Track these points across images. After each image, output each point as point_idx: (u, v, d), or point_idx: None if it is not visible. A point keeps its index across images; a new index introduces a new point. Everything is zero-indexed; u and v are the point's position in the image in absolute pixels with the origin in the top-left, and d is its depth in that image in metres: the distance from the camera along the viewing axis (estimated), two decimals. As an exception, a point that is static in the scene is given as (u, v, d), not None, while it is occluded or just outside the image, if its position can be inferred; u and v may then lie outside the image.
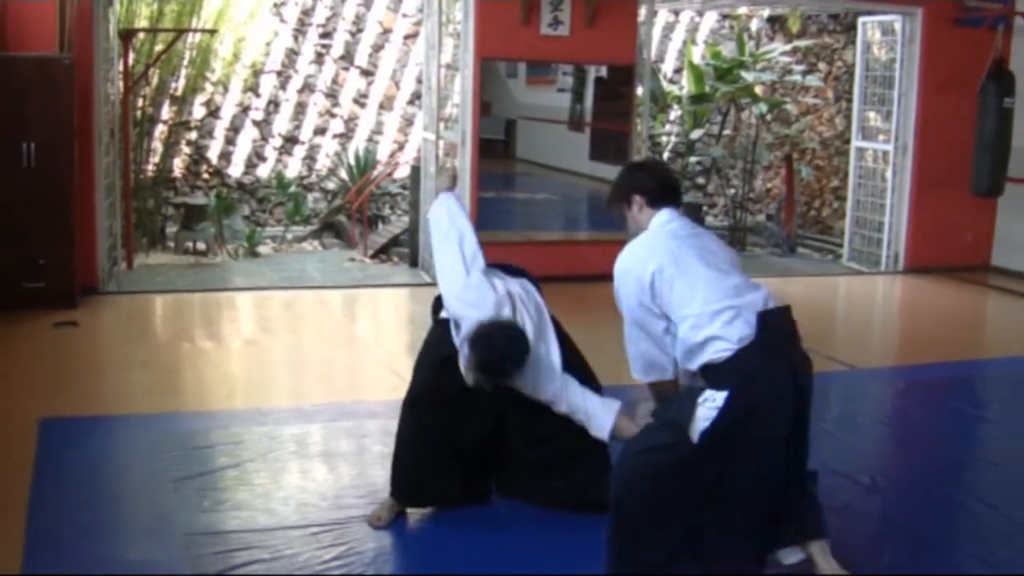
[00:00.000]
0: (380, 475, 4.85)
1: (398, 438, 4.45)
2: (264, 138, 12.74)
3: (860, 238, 11.91)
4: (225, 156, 12.60)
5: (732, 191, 14.68)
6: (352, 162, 12.80)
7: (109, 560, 3.98)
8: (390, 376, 6.88)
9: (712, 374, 3.60)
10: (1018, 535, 4.56)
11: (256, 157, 12.76)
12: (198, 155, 12.43)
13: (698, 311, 3.60)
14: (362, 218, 12.19)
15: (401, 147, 13.36)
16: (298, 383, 6.63)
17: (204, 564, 3.92)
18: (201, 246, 11.15)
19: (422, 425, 4.35)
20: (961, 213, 11.26)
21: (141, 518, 4.39)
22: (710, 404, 3.55)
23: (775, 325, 3.60)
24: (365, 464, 5.07)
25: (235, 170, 12.65)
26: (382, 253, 11.66)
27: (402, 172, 13.13)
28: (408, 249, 11.23)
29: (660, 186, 3.97)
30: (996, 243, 11.61)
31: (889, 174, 11.35)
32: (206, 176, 12.46)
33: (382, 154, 13.17)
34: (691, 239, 3.79)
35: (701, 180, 14.92)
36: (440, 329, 4.42)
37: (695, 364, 3.65)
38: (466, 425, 4.34)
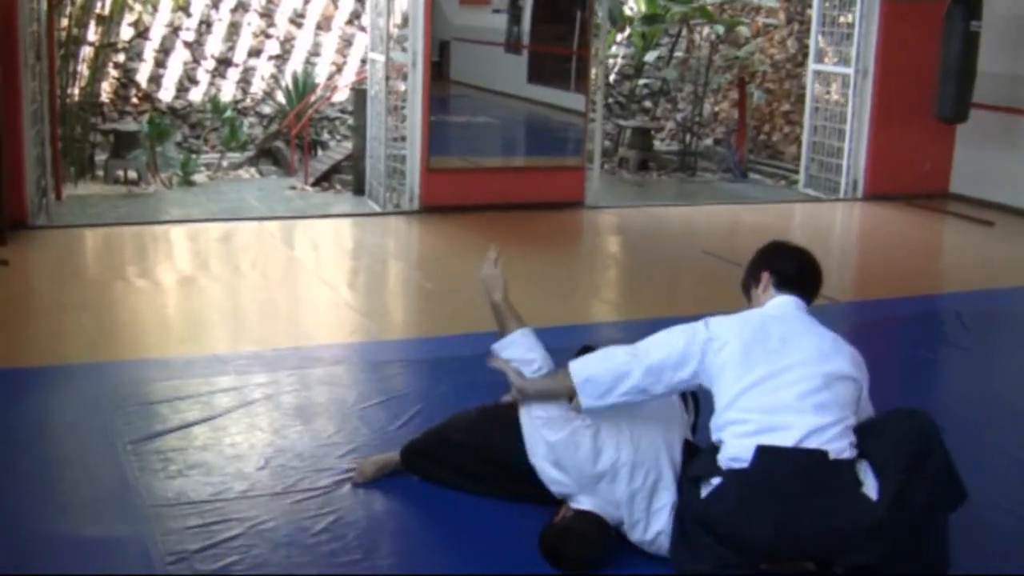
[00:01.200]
0: (360, 430, 4.45)
1: (457, 423, 3.97)
2: (196, 60, 12.08)
3: (817, 164, 11.60)
4: (155, 80, 11.93)
5: (681, 115, 14.30)
6: (290, 85, 12.18)
7: (65, 540, 3.52)
8: (350, 315, 6.45)
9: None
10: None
11: (188, 80, 12.10)
12: (126, 79, 11.74)
13: (721, 407, 3.29)
14: (302, 144, 11.62)
15: (340, 69, 12.75)
16: (254, 326, 6.14)
17: (179, 540, 3.46)
18: (133, 175, 10.52)
19: (494, 443, 3.81)
20: (921, 140, 10.99)
21: (98, 488, 3.89)
22: (707, 488, 3.27)
23: (774, 467, 3.12)
24: (342, 418, 4.60)
25: (166, 94, 11.99)
26: (324, 181, 11.15)
27: (341, 96, 12.55)
28: (351, 176, 10.72)
29: (798, 272, 3.56)
30: (955, 170, 11.39)
31: (849, 99, 11.02)
32: (135, 101, 11.78)
33: (320, 76, 12.55)
34: (784, 325, 3.37)
35: (648, 104, 14.52)
36: None
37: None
38: None
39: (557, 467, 3.48)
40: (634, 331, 6.03)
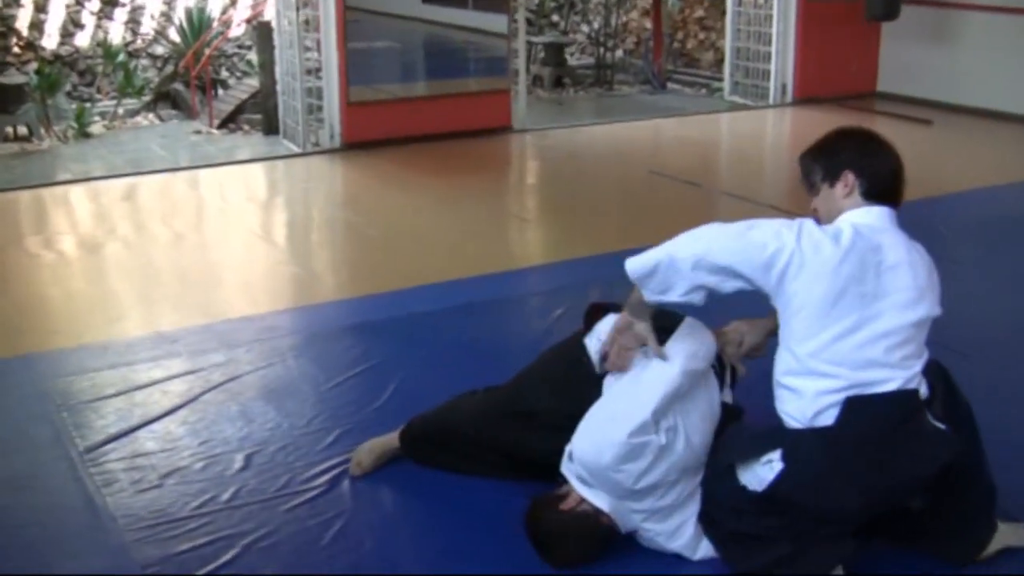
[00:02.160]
0: (341, 411, 3.96)
1: (463, 411, 3.44)
2: (79, 2, 11.16)
3: (742, 71, 11.25)
4: (36, 26, 11.00)
5: (591, 27, 13.82)
6: (184, 22, 11.37)
7: (34, 581, 3.00)
8: (296, 274, 5.92)
9: (780, 426, 2.84)
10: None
11: (72, 24, 11.20)
12: (5, 26, 10.81)
13: (801, 354, 2.76)
14: (202, 85, 10.87)
15: (234, 2, 11.96)
16: (194, 295, 5.50)
17: (167, 571, 2.97)
18: (23, 131, 9.69)
19: (507, 438, 3.32)
20: (848, 39, 10.77)
21: (60, 515, 3.32)
22: (767, 467, 2.79)
23: (868, 418, 2.72)
24: (317, 399, 4.08)
25: (49, 41, 11.09)
26: (230, 122, 10.45)
27: (237, 30, 11.79)
28: (261, 115, 10.05)
29: (892, 175, 2.90)
30: (882, 68, 11.15)
31: (774, 1, 10.64)
32: (16, 50, 10.86)
33: (214, 11, 11.76)
34: (880, 254, 2.78)
35: (556, 17, 14.00)
36: (578, 350, 3.27)
37: (775, 397, 2.84)
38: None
39: (599, 468, 2.88)
40: (592, 268, 5.66)
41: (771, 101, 10.83)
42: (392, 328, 4.90)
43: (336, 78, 8.56)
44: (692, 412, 2.94)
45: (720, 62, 12.62)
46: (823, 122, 10.05)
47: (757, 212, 7.08)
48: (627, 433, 2.80)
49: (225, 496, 3.36)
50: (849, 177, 2.89)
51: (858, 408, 2.70)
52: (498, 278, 5.67)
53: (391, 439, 3.53)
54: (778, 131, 10.24)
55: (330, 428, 3.81)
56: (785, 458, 2.76)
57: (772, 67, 10.77)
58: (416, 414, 3.53)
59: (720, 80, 11.97)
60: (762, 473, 2.80)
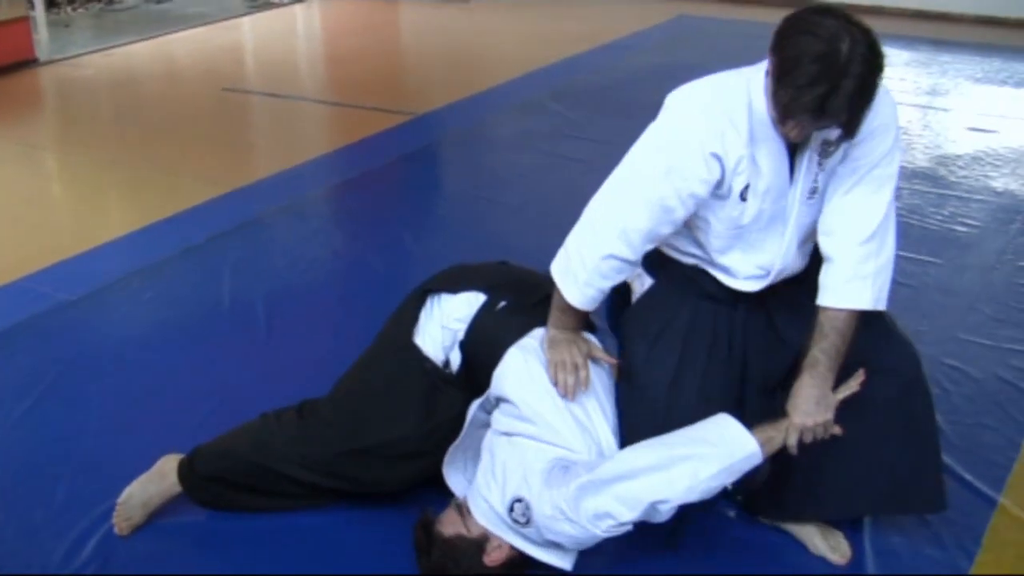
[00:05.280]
0: (54, 448, 3.18)
1: (274, 449, 2.73)
2: None
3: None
4: None
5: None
6: None
7: None
8: None
9: None
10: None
11: None
12: None
13: None
14: None
15: None
16: None
17: None
18: None
19: (351, 476, 2.71)
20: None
21: None
22: None
23: None
24: (9, 438, 3.24)
25: None
26: None
27: None
28: None
29: None
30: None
31: None
32: None
33: None
34: None
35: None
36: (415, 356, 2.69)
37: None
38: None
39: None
40: (202, 222, 4.97)
41: (289, -2, 10.39)
42: (39, 327, 4.04)
43: None
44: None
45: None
46: (360, 10, 9.83)
47: (352, 114, 6.72)
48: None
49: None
50: None
51: None
52: (113, 250, 4.77)
53: (164, 483, 2.80)
54: (325, 25, 9.80)
55: (51, 476, 3.03)
56: None
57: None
58: (197, 448, 2.84)
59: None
60: None
